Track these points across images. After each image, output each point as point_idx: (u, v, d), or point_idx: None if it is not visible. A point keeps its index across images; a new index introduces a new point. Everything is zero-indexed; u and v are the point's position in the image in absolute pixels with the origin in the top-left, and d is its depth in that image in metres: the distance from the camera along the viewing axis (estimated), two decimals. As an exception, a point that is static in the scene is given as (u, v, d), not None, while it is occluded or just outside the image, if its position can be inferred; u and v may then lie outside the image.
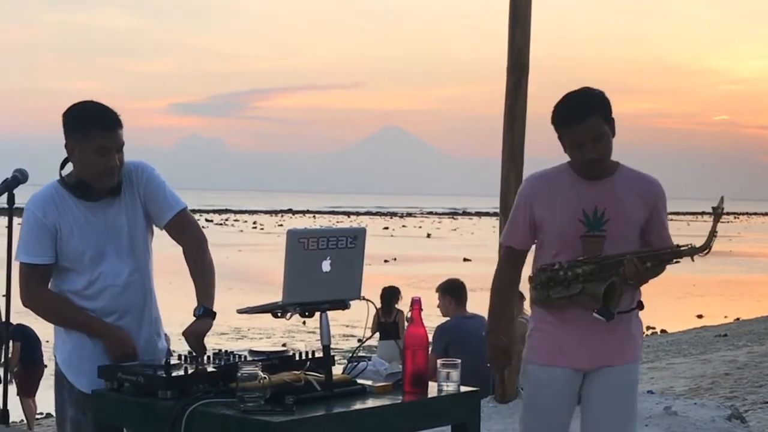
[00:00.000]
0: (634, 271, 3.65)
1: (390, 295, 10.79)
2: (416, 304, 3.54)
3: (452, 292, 7.93)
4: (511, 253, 3.98)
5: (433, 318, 8.12)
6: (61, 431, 3.76)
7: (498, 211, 7.65)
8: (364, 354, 3.84)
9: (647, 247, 3.78)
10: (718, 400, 8.59)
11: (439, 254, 42.77)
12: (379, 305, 10.65)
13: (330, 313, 3.39)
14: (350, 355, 3.68)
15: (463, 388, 3.47)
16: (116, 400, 3.37)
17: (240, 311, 3.53)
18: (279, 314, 3.35)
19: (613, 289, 3.67)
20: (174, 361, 3.42)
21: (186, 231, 3.83)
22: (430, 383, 3.46)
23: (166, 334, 3.94)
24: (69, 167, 3.74)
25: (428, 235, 62.68)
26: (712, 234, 3.64)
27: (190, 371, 3.28)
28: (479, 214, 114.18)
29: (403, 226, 78.54)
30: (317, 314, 3.37)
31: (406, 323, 7.81)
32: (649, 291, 3.86)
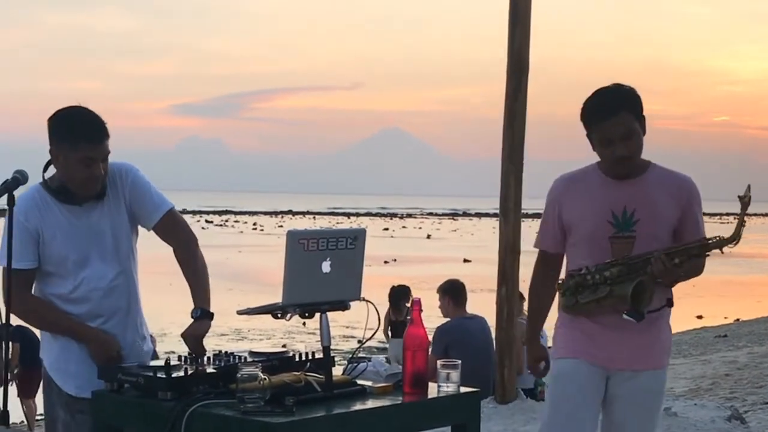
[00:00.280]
0: (662, 269, 3.56)
1: (399, 293, 10.84)
2: (416, 304, 3.54)
3: (452, 292, 7.93)
4: (545, 258, 3.91)
5: (433, 319, 8.14)
6: None
7: (498, 211, 7.66)
8: (364, 355, 3.83)
9: None
10: (718, 400, 8.60)
11: (439, 255, 42.76)
12: (387, 304, 10.70)
13: (330, 314, 3.39)
14: (350, 356, 3.69)
15: (463, 389, 3.47)
16: (116, 401, 3.37)
17: (240, 312, 3.52)
18: (279, 315, 3.35)
19: (642, 289, 3.59)
20: (174, 362, 3.42)
21: (175, 231, 3.81)
22: (430, 384, 3.46)
23: (152, 336, 3.95)
24: (51, 170, 3.69)
25: (428, 236, 62.66)
26: (741, 223, 3.59)
27: (190, 372, 3.28)
28: (479, 215, 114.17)
29: (403, 227, 78.53)
30: (317, 315, 3.37)
31: None
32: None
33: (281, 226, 66.93)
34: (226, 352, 3.54)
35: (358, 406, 3.27)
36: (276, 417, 3.02)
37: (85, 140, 3.56)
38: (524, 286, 7.60)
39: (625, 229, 3.67)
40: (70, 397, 3.66)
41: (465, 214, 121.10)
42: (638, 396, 3.75)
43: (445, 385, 3.43)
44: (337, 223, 78.85)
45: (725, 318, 21.35)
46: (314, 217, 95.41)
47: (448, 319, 7.87)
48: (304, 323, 3.59)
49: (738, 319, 21.38)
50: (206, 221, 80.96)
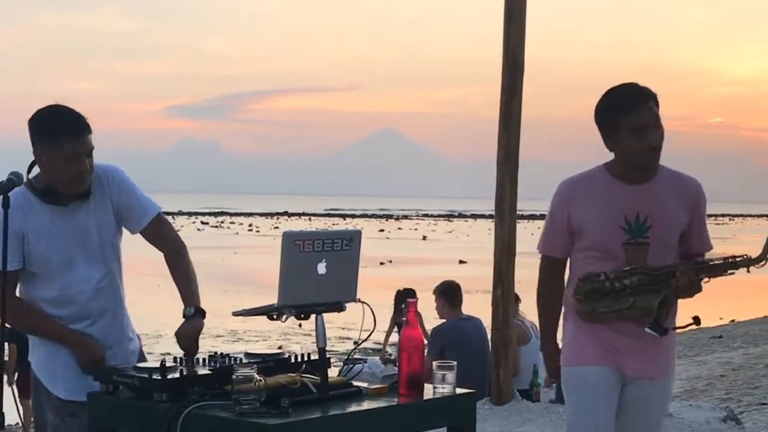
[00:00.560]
0: (687, 284, 3.51)
1: (405, 296, 10.90)
2: (411, 306, 3.55)
3: (448, 294, 7.93)
4: (551, 263, 3.80)
5: (429, 320, 8.15)
6: None
7: (493, 213, 7.66)
8: (359, 356, 3.83)
9: (684, 250, 3.66)
10: (713, 401, 8.61)
11: (434, 256, 42.77)
12: (382, 306, 10.72)
13: (325, 316, 3.39)
14: (346, 357, 3.69)
15: (459, 390, 3.47)
16: (111, 403, 3.37)
17: (235, 313, 3.52)
18: (274, 316, 3.35)
19: (665, 303, 3.54)
20: (169, 363, 3.42)
21: (164, 235, 3.83)
22: (426, 385, 3.46)
23: (138, 336, 3.94)
24: (35, 170, 3.68)
25: (424, 238, 62.66)
26: None
27: (185, 374, 3.28)
28: (475, 216, 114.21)
29: (399, 228, 78.52)
30: (313, 316, 3.37)
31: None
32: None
33: (277, 228, 66.93)
34: (221, 353, 3.54)
35: (353, 408, 3.27)
36: (271, 418, 3.02)
37: (68, 136, 3.54)
38: (520, 287, 7.63)
39: (639, 235, 3.59)
40: (59, 400, 3.65)
41: (461, 216, 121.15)
42: (653, 403, 3.72)
43: (440, 387, 3.43)
44: (333, 224, 78.84)
45: (720, 319, 21.38)
46: (310, 219, 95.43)
47: (444, 321, 7.88)
48: (299, 324, 3.59)
49: (733, 320, 21.40)
50: (202, 222, 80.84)
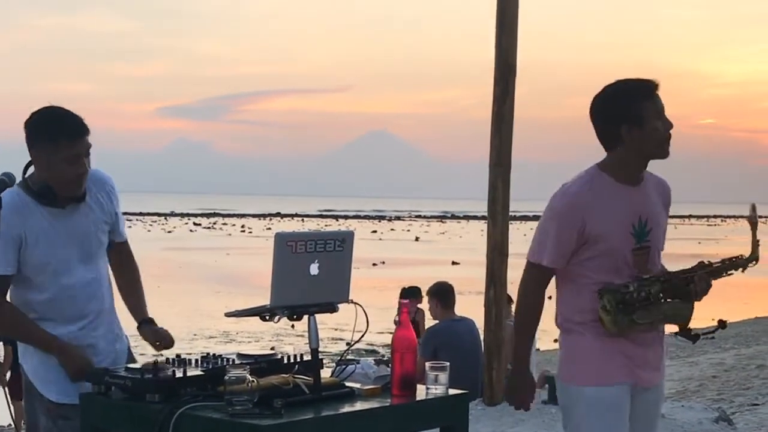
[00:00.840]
0: (704, 289, 3.48)
1: (409, 293, 10.91)
2: (404, 307, 3.55)
3: (441, 295, 7.95)
4: (543, 274, 3.54)
5: (429, 320, 8.15)
6: None
7: (486, 214, 7.68)
8: (352, 357, 3.83)
9: None
10: (705, 402, 8.63)
11: (427, 257, 42.78)
12: (375, 307, 10.72)
13: (318, 317, 3.40)
14: (339, 358, 3.69)
15: (452, 391, 3.48)
16: (104, 404, 3.37)
17: (228, 314, 3.53)
18: (267, 317, 3.35)
19: (692, 311, 3.53)
20: (161, 364, 3.42)
21: (127, 259, 3.98)
22: (419, 386, 3.47)
23: (126, 336, 3.96)
24: (30, 171, 3.70)
25: (417, 239, 62.68)
26: (756, 243, 3.50)
27: (178, 375, 3.28)
28: (467, 217, 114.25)
29: (392, 229, 78.54)
30: (305, 317, 3.37)
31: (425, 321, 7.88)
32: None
33: (269, 229, 66.87)
34: (214, 354, 3.54)
35: (346, 409, 3.28)
36: (264, 419, 3.02)
37: (69, 138, 3.55)
38: (512, 288, 7.62)
39: (642, 239, 3.51)
40: (51, 402, 3.64)
41: (453, 217, 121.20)
42: (658, 407, 3.70)
43: (433, 387, 3.44)
44: (326, 225, 78.80)
45: (712, 320, 21.39)
46: (303, 220, 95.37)
47: (437, 321, 7.89)
48: (292, 325, 3.59)
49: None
50: (194, 224, 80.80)
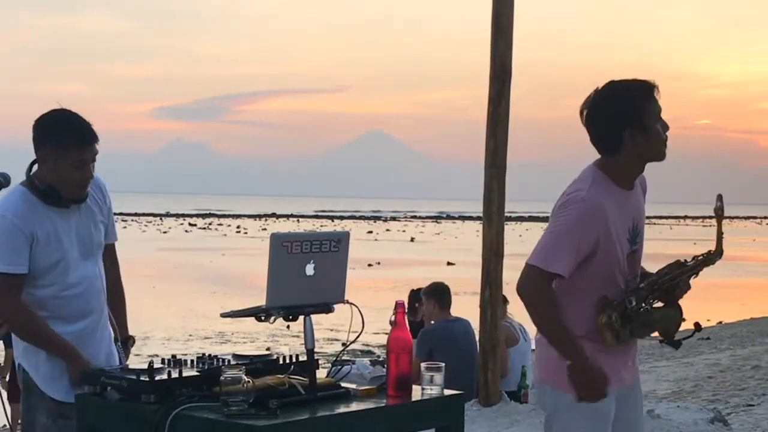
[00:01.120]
0: (685, 292, 3.49)
1: (419, 295, 10.93)
2: (400, 307, 3.55)
3: (437, 295, 7.94)
4: (550, 281, 3.38)
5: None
6: None
7: (481, 215, 7.68)
8: (348, 357, 3.83)
9: None
10: (700, 403, 8.64)
11: (423, 258, 42.76)
12: (370, 308, 10.71)
13: (314, 317, 3.40)
14: (334, 358, 3.69)
15: (447, 392, 3.48)
16: (99, 404, 3.37)
17: (224, 315, 3.53)
18: (263, 318, 3.35)
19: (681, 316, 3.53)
20: (157, 365, 3.42)
21: (113, 263, 4.01)
22: (414, 386, 3.47)
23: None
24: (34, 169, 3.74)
25: (412, 239, 62.65)
26: (720, 236, 3.45)
27: (173, 375, 3.28)
28: (463, 218, 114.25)
29: (387, 230, 78.50)
30: (301, 318, 3.37)
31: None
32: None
33: (265, 229, 66.86)
34: (209, 355, 3.54)
35: (342, 409, 3.28)
36: (260, 420, 3.02)
37: (78, 145, 3.62)
38: (508, 289, 7.64)
39: (634, 242, 3.47)
40: (54, 401, 3.67)
41: (449, 217, 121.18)
42: (639, 408, 3.68)
43: (429, 388, 3.44)
44: (321, 226, 78.79)
45: (708, 320, 21.43)
46: (298, 220, 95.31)
47: (433, 322, 7.88)
48: (288, 326, 3.59)
49: (720, 322, 21.46)
50: (190, 224, 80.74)
